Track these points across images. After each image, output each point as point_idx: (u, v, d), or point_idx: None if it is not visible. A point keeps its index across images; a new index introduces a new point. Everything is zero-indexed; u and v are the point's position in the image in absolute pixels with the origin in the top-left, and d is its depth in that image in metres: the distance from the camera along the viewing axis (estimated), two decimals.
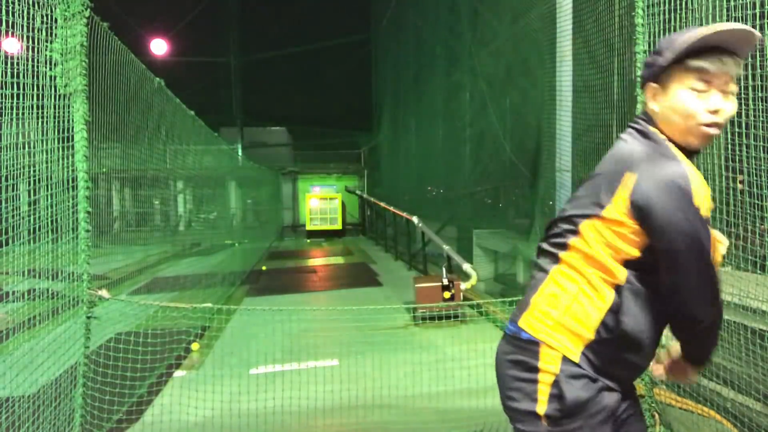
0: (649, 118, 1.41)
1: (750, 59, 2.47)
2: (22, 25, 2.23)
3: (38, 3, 2.34)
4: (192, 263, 7.41)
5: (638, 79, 3.11)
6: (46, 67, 2.43)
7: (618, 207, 1.30)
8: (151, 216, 6.36)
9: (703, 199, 1.25)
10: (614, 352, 1.35)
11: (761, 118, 2.47)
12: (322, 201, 17.90)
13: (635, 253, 1.31)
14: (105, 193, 4.54)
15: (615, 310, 1.33)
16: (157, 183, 5.74)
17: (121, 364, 3.16)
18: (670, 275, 1.29)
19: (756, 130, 2.50)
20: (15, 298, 2.69)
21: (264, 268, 10.75)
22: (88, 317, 2.74)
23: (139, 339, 3.23)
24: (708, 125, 1.31)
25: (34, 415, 2.45)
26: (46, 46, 2.43)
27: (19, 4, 2.19)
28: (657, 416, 3.23)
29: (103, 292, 2.76)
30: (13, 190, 2.22)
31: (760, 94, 2.46)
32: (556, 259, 1.42)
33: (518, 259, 6.46)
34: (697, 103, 1.31)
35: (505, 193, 7.74)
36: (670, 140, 1.35)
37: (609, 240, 1.33)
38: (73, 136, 2.64)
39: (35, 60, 2.34)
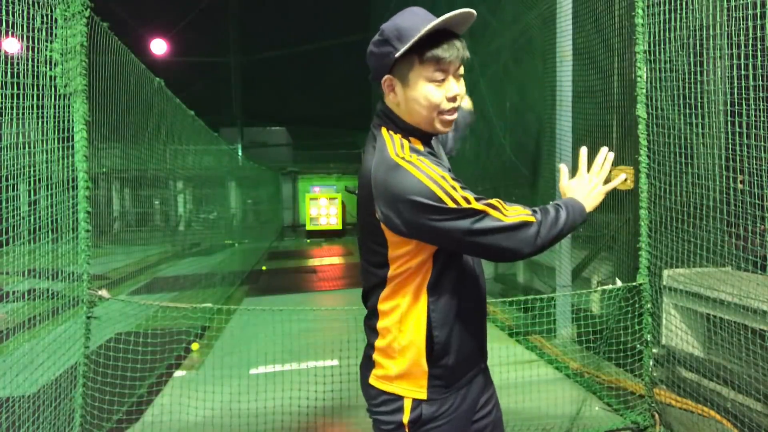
0: (386, 113, 1.43)
1: (751, 59, 2.47)
2: (22, 25, 2.23)
3: (38, 3, 2.34)
4: (192, 263, 7.41)
5: (638, 79, 3.11)
6: (46, 67, 2.42)
7: None
8: (151, 216, 6.36)
9: (433, 178, 1.25)
10: None
11: (761, 118, 2.47)
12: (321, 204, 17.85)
13: None
14: (105, 193, 4.54)
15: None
16: (157, 183, 5.74)
17: (121, 364, 3.15)
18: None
19: (756, 130, 2.50)
20: (15, 298, 2.69)
21: (264, 268, 10.74)
22: (88, 317, 2.74)
23: (139, 339, 3.23)
24: (449, 112, 1.36)
25: (34, 415, 2.45)
26: (46, 46, 2.43)
27: (19, 4, 2.19)
28: (657, 416, 3.23)
29: (103, 292, 2.76)
30: (13, 190, 2.22)
31: (760, 94, 2.46)
32: None
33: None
34: (439, 93, 1.33)
35: (505, 193, 7.73)
36: (415, 128, 1.39)
37: None
38: (73, 136, 2.63)
39: (35, 60, 2.34)
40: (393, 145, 1.35)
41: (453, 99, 1.34)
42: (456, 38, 1.32)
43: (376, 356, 1.48)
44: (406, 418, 1.41)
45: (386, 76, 1.36)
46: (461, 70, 1.35)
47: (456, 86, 1.34)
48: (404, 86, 1.35)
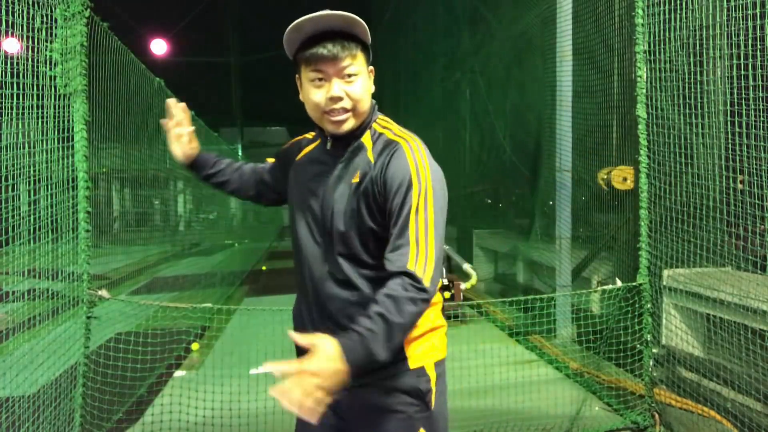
0: None
1: (751, 59, 2.47)
2: (22, 25, 2.23)
3: (38, 3, 2.34)
4: (192, 263, 7.42)
5: (638, 79, 3.11)
6: (46, 67, 2.42)
7: None
8: (151, 216, 6.36)
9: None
10: None
11: (761, 118, 2.47)
12: None
13: None
14: (105, 193, 4.54)
15: None
16: (157, 183, 5.74)
17: (121, 364, 3.15)
18: None
19: (756, 130, 2.50)
20: (15, 298, 2.69)
21: (264, 268, 10.74)
22: (88, 317, 2.74)
23: (139, 339, 3.23)
24: (332, 113, 1.36)
25: (34, 415, 2.45)
26: (46, 46, 2.42)
27: (19, 4, 2.19)
28: (657, 416, 3.23)
29: (103, 292, 2.76)
30: (13, 190, 2.22)
31: (760, 94, 2.46)
32: None
33: (518, 259, 6.45)
34: (319, 94, 1.36)
35: (505, 193, 7.73)
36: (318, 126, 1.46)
37: None
38: (73, 136, 2.63)
39: (35, 60, 2.34)
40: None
41: (334, 100, 1.34)
42: (337, 38, 1.32)
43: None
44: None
45: (296, 75, 1.43)
46: (349, 70, 1.34)
47: (338, 87, 1.33)
48: (300, 87, 1.43)
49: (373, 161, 1.38)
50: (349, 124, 1.38)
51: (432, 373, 1.44)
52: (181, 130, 1.72)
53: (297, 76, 1.42)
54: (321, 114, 1.38)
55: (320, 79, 1.34)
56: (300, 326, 1.55)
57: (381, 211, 1.34)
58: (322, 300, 1.44)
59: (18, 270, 2.56)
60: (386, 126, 1.46)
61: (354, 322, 1.21)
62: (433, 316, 1.50)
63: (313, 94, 1.36)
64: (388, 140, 1.41)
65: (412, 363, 1.41)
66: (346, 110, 1.36)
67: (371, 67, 1.43)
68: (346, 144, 1.43)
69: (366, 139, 1.43)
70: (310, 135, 1.60)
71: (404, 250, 1.25)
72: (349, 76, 1.35)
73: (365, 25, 1.36)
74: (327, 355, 1.12)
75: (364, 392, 1.41)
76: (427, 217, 1.28)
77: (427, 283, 1.23)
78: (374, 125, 1.45)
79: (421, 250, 1.25)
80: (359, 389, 1.39)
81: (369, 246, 1.38)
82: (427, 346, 1.46)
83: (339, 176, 1.42)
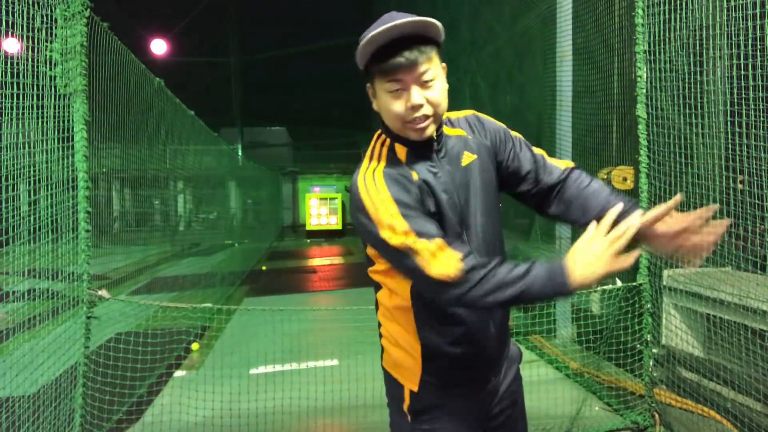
0: (380, 118, 1.44)
1: (751, 59, 2.47)
2: (22, 25, 2.23)
3: (38, 3, 2.34)
4: (192, 263, 7.41)
5: (638, 79, 3.11)
6: (46, 67, 2.42)
7: None
8: (151, 216, 6.36)
9: (374, 202, 1.29)
10: None
11: (761, 118, 2.47)
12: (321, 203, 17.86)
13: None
14: (105, 193, 4.53)
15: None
16: (157, 183, 5.74)
17: (121, 364, 3.15)
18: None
19: (756, 130, 2.50)
20: (15, 298, 2.69)
21: (264, 268, 10.74)
22: (88, 317, 2.74)
23: (139, 339, 3.23)
24: (415, 121, 1.32)
25: (34, 415, 2.45)
26: (46, 46, 2.43)
27: (19, 4, 2.19)
28: (657, 416, 3.23)
29: (103, 292, 2.76)
30: (13, 190, 2.22)
31: (760, 94, 2.46)
32: None
33: (518, 259, 6.45)
34: (399, 104, 1.31)
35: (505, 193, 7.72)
36: (398, 135, 1.39)
37: None
38: (73, 136, 2.64)
39: (35, 60, 2.34)
40: (370, 155, 1.41)
41: (415, 108, 1.30)
42: (411, 45, 1.27)
43: (383, 341, 1.55)
44: (405, 406, 1.47)
45: (368, 85, 1.39)
46: (427, 76, 1.29)
47: (419, 95, 1.29)
48: (376, 97, 1.38)
49: (471, 137, 1.48)
50: (431, 128, 1.35)
51: None
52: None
53: (368, 85, 1.38)
54: (403, 124, 1.34)
55: (398, 89, 1.30)
56: (484, 359, 1.47)
57: (497, 164, 1.50)
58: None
59: (18, 270, 2.56)
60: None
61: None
62: None
63: (393, 104, 1.31)
64: (460, 118, 1.52)
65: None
66: (427, 117, 1.32)
67: (444, 64, 1.38)
68: (441, 140, 1.43)
69: (444, 127, 1.46)
70: (375, 166, 1.37)
71: (552, 161, 1.53)
72: (427, 81, 1.30)
73: (439, 24, 1.30)
74: None
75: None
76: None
77: None
78: None
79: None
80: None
81: (498, 204, 1.50)
82: None
83: (452, 169, 1.41)
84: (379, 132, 1.46)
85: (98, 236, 3.78)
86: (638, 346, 3.30)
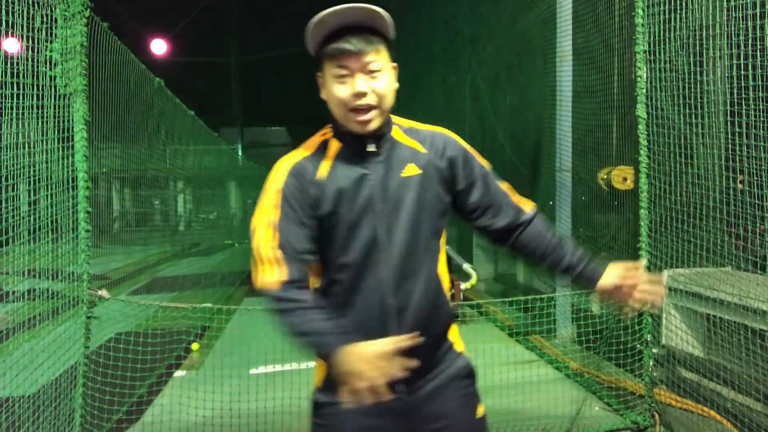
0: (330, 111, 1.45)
1: (751, 59, 2.47)
2: (22, 25, 2.23)
3: (38, 3, 2.34)
4: (192, 263, 7.42)
5: (638, 79, 3.11)
6: (46, 67, 2.42)
7: None
8: (151, 216, 6.36)
9: (267, 184, 1.41)
10: None
11: (761, 118, 2.47)
12: None
13: None
14: (105, 193, 4.54)
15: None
16: (157, 183, 5.75)
17: (121, 364, 3.15)
18: None
19: (756, 130, 2.50)
20: (15, 298, 2.69)
21: None
22: (88, 317, 2.74)
23: (139, 339, 3.23)
24: (358, 109, 1.32)
25: (34, 415, 2.45)
26: (46, 46, 2.43)
27: (19, 4, 2.19)
28: (657, 416, 3.23)
29: (103, 292, 2.76)
30: (13, 190, 2.22)
31: (760, 94, 2.46)
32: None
33: (518, 259, 6.44)
34: (343, 89, 1.31)
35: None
36: (344, 129, 1.38)
37: None
38: (73, 136, 2.64)
39: (35, 60, 2.34)
40: (305, 144, 1.45)
41: (359, 95, 1.30)
42: (361, 33, 1.29)
43: None
44: (313, 398, 1.51)
45: (318, 73, 1.38)
46: (374, 66, 1.30)
47: (364, 83, 1.30)
48: (323, 84, 1.37)
49: (425, 151, 1.43)
50: (376, 122, 1.34)
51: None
52: None
53: (319, 73, 1.37)
54: (346, 112, 1.33)
55: (344, 75, 1.30)
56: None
57: (449, 190, 1.45)
58: (415, 303, 1.39)
59: (18, 270, 2.56)
60: (406, 121, 1.50)
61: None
62: None
63: (337, 90, 1.32)
64: (428, 132, 1.49)
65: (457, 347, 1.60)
66: (371, 107, 1.32)
67: (394, 64, 1.39)
68: (382, 142, 1.40)
69: (397, 134, 1.44)
70: (296, 155, 1.41)
71: (516, 199, 1.51)
72: (374, 71, 1.31)
73: (388, 17, 1.31)
74: None
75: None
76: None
77: None
78: (395, 120, 1.47)
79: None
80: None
81: (439, 229, 1.45)
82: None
83: (387, 175, 1.38)
84: (328, 127, 1.46)
85: (98, 236, 3.79)
86: (638, 346, 3.30)
